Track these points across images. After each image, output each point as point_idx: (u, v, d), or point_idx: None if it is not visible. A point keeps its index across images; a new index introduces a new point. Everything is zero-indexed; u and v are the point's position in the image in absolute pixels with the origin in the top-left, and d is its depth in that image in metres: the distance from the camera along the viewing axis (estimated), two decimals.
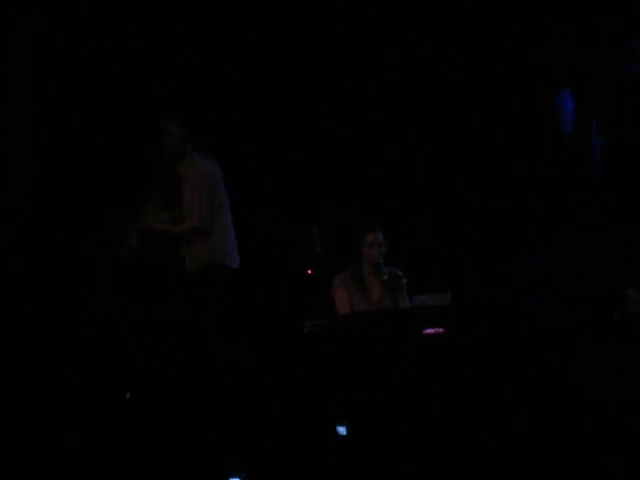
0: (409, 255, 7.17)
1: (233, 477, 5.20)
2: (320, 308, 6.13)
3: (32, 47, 7.07)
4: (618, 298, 6.24)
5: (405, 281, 6.16)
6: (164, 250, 6.35)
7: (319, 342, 5.48)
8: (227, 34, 7.67)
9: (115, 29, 7.36)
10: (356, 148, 7.89)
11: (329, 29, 7.84)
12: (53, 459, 5.25)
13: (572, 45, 7.71)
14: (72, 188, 7.09)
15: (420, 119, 7.87)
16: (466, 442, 5.04)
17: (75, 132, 7.18)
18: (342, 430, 5.21)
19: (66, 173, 7.12)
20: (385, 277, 6.03)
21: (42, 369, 5.91)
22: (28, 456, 5.22)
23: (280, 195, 7.78)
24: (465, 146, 7.82)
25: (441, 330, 5.25)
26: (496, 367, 5.17)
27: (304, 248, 7.34)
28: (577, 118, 7.74)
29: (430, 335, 5.26)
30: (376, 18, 7.85)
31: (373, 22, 7.86)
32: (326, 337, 5.48)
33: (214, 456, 5.32)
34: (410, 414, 5.13)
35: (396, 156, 7.90)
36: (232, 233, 6.33)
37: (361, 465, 5.11)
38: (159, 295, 6.41)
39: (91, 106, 7.22)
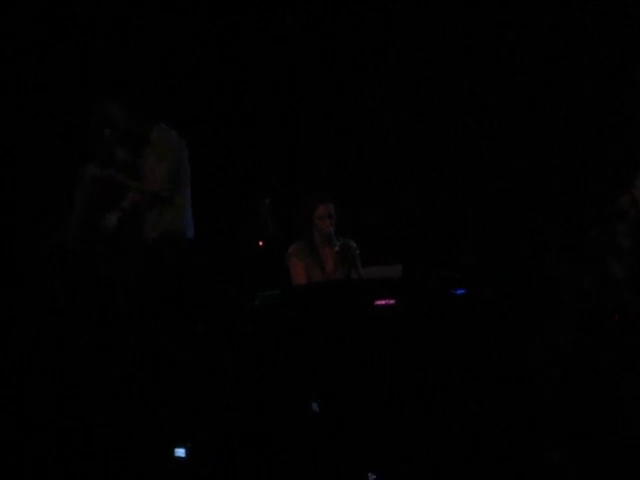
0: (363, 227, 7.19)
1: (179, 447, 5.21)
2: (271, 280, 6.12)
3: None
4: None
5: (358, 252, 6.17)
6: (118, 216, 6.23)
7: (269, 314, 5.46)
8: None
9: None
10: (310, 122, 7.90)
11: None
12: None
13: None
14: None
15: (368, 94, 7.90)
16: (418, 411, 5.07)
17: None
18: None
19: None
20: (337, 248, 6.04)
21: None
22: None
23: (234, 167, 7.75)
24: (418, 121, 7.85)
25: (392, 301, 5.28)
26: (444, 338, 5.21)
27: (257, 220, 7.31)
28: None
29: (381, 306, 5.28)
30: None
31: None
32: (276, 309, 5.46)
33: (160, 426, 5.31)
34: (360, 384, 5.15)
35: (350, 129, 7.91)
36: (190, 204, 6.31)
37: (309, 435, 5.13)
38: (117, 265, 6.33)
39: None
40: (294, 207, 6.43)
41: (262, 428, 5.19)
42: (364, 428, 5.08)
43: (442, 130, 7.75)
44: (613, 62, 7.40)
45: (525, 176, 7.52)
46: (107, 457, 5.23)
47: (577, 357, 5.66)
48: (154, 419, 5.37)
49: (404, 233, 7.66)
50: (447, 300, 5.35)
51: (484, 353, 5.26)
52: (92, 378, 5.57)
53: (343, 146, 7.90)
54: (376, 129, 7.87)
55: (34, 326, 6.02)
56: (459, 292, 5.38)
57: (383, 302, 5.24)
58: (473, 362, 5.22)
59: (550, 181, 7.49)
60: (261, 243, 7.11)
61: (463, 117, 7.73)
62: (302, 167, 7.79)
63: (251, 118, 7.82)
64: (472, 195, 7.70)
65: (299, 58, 7.89)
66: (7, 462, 5.20)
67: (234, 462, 5.16)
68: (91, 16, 7.34)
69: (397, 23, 7.84)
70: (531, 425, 5.22)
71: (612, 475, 4.98)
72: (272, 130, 7.85)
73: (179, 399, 5.47)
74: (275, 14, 7.85)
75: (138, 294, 6.02)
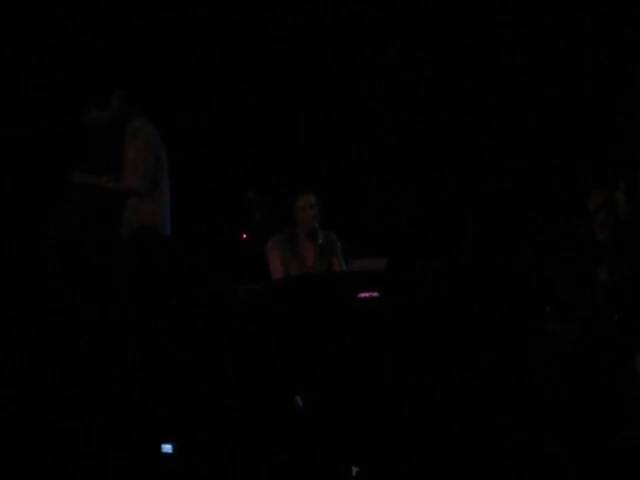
0: (346, 220, 7.17)
1: (165, 443, 5.21)
2: (256, 273, 6.07)
3: None
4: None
5: (339, 245, 6.10)
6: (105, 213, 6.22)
7: (253, 307, 5.44)
8: None
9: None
10: (293, 114, 7.89)
11: None
12: None
13: None
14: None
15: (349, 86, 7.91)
16: (400, 404, 5.06)
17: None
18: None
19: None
20: (320, 241, 5.97)
21: None
22: None
23: (217, 160, 7.73)
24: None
25: (375, 294, 5.24)
26: (429, 331, 5.20)
27: (241, 213, 7.25)
28: None
29: (365, 299, 5.24)
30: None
31: None
32: (260, 302, 5.43)
33: (146, 422, 5.30)
34: (343, 377, 5.14)
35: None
36: (168, 199, 6.28)
37: (294, 429, 5.13)
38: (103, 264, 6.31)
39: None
40: (278, 200, 6.36)
41: (246, 423, 5.18)
42: (349, 423, 5.07)
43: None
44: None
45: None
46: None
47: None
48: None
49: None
50: (433, 294, 5.34)
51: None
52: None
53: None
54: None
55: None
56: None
57: (367, 294, 5.23)
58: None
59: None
60: (245, 236, 7.01)
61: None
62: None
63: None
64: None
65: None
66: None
67: (220, 458, 5.16)
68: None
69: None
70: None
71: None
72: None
73: (171, 397, 5.47)
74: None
75: (128, 291, 6.01)
